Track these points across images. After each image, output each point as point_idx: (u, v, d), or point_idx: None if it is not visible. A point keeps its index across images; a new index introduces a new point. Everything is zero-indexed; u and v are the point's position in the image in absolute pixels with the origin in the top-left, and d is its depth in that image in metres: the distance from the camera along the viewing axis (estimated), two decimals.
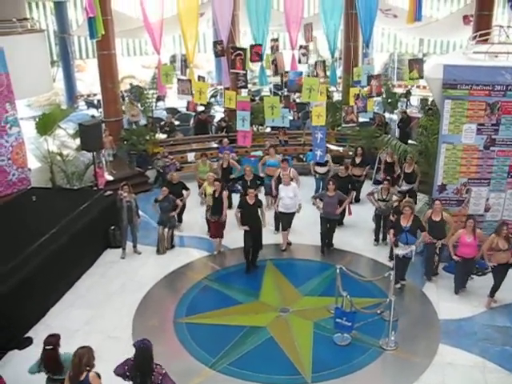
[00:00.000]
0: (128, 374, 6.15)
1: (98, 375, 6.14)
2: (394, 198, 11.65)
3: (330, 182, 11.38)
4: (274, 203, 12.45)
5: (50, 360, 6.54)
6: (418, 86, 23.20)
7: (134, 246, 11.68)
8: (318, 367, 7.90)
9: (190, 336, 8.77)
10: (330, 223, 11.50)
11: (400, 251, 9.74)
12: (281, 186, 11.63)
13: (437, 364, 8.15)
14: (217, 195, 11.33)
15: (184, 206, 12.54)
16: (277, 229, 12.38)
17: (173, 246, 11.88)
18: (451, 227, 10.03)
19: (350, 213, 12.34)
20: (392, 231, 9.91)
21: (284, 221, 11.74)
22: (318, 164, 13.73)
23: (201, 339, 8.60)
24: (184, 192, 12.36)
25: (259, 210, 10.82)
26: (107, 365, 6.32)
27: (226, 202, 11.45)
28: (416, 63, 13.18)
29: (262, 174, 13.48)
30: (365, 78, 13.44)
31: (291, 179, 11.84)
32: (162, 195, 11.56)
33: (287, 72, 16.45)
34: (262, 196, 12.74)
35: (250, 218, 10.72)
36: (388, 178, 12.09)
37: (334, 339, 8.71)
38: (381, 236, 11.84)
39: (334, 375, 7.86)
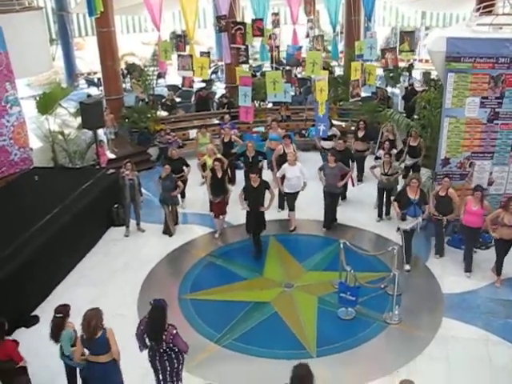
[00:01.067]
0: (144, 333, 6.36)
1: None
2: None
3: (329, 154, 11.39)
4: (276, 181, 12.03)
5: (57, 328, 6.81)
6: (421, 60, 23.04)
7: (138, 224, 11.70)
8: (323, 341, 7.96)
9: (195, 312, 8.84)
10: (333, 197, 11.44)
11: (407, 225, 9.73)
12: (286, 165, 11.36)
13: (440, 337, 8.20)
14: (219, 176, 11.07)
15: (186, 181, 12.45)
16: (280, 207, 12.25)
17: (176, 224, 11.81)
18: (456, 202, 9.98)
19: (353, 184, 12.43)
20: (397, 204, 9.92)
21: (290, 201, 11.58)
22: (324, 139, 13.64)
23: (206, 315, 8.66)
24: (185, 168, 12.28)
25: (267, 191, 10.50)
26: None
27: (226, 183, 11.29)
28: (407, 35, 13.09)
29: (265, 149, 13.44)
30: (368, 52, 13.31)
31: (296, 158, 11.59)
32: (164, 173, 11.41)
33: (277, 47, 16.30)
34: (266, 173, 12.65)
35: (253, 200, 10.42)
36: (389, 152, 11.94)
37: (338, 314, 8.76)
38: (384, 209, 11.81)
39: (338, 349, 7.92)
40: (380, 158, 12.14)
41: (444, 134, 10.27)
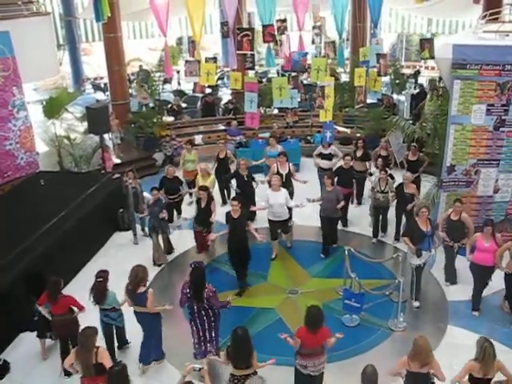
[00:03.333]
0: (188, 294, 7.29)
1: None
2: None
3: (326, 177, 10.71)
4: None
5: (98, 291, 7.71)
6: (427, 67, 23.04)
7: (143, 230, 11.71)
8: (327, 348, 7.92)
9: None
10: (331, 222, 10.83)
11: (422, 260, 8.92)
12: (269, 191, 10.49)
13: (445, 345, 8.17)
14: (203, 205, 10.26)
15: (181, 200, 12.23)
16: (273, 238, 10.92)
17: (171, 252, 11.10)
18: (470, 229, 9.37)
19: (358, 202, 12.35)
20: (407, 238, 9.03)
21: (274, 230, 10.67)
22: (324, 157, 12.71)
23: None
24: (181, 188, 11.95)
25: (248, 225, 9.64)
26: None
27: (214, 212, 10.34)
28: (427, 43, 13.06)
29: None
30: (374, 58, 13.33)
31: (282, 183, 10.65)
32: (152, 199, 10.65)
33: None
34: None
35: (234, 234, 9.46)
36: (386, 169, 11.52)
37: (342, 320, 8.76)
38: (380, 228, 11.44)
39: (342, 356, 7.92)
40: (371, 174, 11.93)
41: (450, 142, 10.21)
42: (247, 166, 11.71)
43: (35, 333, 8.32)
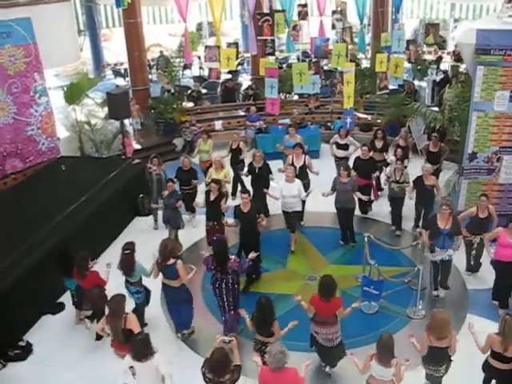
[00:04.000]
0: (212, 266, 7.85)
1: None
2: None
3: (342, 168, 10.39)
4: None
5: (127, 262, 8.02)
6: (449, 53, 22.69)
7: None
8: (345, 335, 7.90)
9: None
10: (347, 212, 10.59)
11: (436, 257, 8.69)
12: (282, 182, 10.41)
13: (464, 334, 8.09)
14: (212, 199, 10.06)
15: (195, 193, 11.71)
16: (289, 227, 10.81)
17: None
18: (495, 221, 9.14)
19: (375, 196, 11.81)
20: (424, 231, 8.85)
21: (288, 221, 10.61)
22: (340, 146, 12.49)
23: None
24: (193, 181, 11.56)
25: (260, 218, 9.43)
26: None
27: (223, 208, 10.16)
28: (432, 27, 12.95)
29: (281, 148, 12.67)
30: (396, 44, 13.17)
31: (297, 175, 10.55)
32: (167, 190, 10.54)
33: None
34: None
35: (245, 229, 9.37)
36: (402, 158, 11.09)
37: (361, 307, 8.73)
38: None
39: (360, 343, 7.91)
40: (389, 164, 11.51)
41: (472, 128, 10.08)
42: (262, 158, 11.25)
43: (58, 314, 8.60)
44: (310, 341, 7.51)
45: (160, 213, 11.28)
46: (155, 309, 8.82)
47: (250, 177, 11.49)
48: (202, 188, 11.74)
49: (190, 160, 11.75)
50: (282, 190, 10.31)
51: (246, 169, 11.80)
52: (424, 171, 10.26)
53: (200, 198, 11.12)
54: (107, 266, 8.27)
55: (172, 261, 7.80)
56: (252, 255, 8.28)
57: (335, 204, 10.60)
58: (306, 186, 10.99)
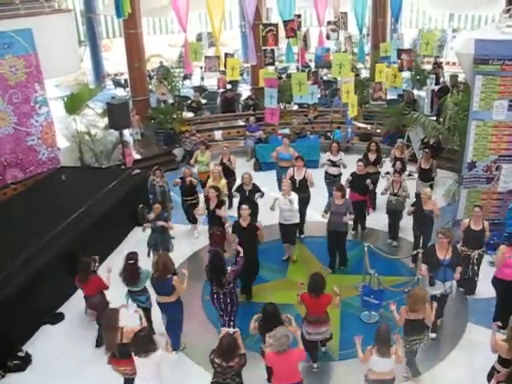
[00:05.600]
0: (209, 278, 7.88)
1: None
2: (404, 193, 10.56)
3: (335, 188, 9.97)
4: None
5: (131, 273, 7.92)
6: (448, 63, 22.81)
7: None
8: (346, 345, 7.92)
9: None
10: (339, 236, 10.09)
11: (436, 291, 8.00)
12: (280, 196, 10.25)
13: (464, 343, 8.13)
14: (212, 207, 10.12)
15: (198, 204, 11.55)
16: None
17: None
18: (486, 235, 8.97)
19: (368, 211, 11.51)
20: (424, 266, 8.10)
21: (284, 234, 10.47)
22: (332, 164, 12.01)
23: None
24: (196, 190, 11.61)
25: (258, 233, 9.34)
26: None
27: (223, 216, 10.14)
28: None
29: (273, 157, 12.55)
30: (395, 54, 13.26)
31: (297, 189, 10.45)
32: (153, 213, 9.96)
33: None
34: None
35: (245, 244, 8.85)
36: (399, 170, 10.92)
37: (361, 317, 8.76)
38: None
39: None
40: (389, 173, 11.18)
41: (471, 137, 10.12)
42: (251, 180, 10.80)
43: (56, 325, 8.51)
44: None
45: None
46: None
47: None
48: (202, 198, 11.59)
49: (190, 171, 11.65)
50: (278, 203, 10.18)
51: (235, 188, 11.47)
52: (423, 195, 9.77)
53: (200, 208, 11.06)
54: (108, 271, 8.22)
55: (168, 276, 7.72)
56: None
57: (327, 227, 10.15)
58: (307, 199, 10.99)
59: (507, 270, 8.16)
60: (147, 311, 8.18)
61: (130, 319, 7.21)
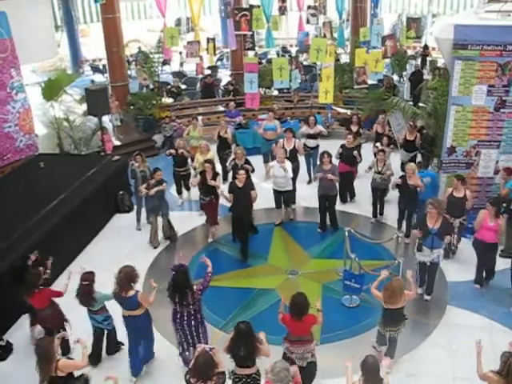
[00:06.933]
0: (172, 298, 6.88)
1: None
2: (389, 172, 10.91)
3: (325, 155, 10.66)
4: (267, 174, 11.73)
5: (84, 294, 7.20)
6: (427, 47, 22.87)
7: (148, 218, 11.26)
8: (327, 329, 7.96)
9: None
10: (329, 200, 10.84)
11: (423, 257, 8.54)
12: (274, 163, 10.91)
13: (444, 325, 8.23)
14: (209, 178, 10.33)
15: (189, 175, 12.25)
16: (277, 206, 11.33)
17: (174, 235, 10.86)
18: (470, 205, 9.53)
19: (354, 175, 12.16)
20: (416, 231, 8.54)
21: (278, 200, 11.10)
22: (310, 136, 12.89)
23: (211, 302, 8.60)
24: (189, 161, 12.10)
25: (252, 192, 9.95)
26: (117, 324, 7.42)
27: (219, 185, 10.47)
28: (414, 22, 13.07)
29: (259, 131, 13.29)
30: (375, 39, 13.26)
31: (291, 156, 11.26)
32: (154, 179, 10.36)
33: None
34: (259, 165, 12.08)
35: (239, 204, 9.82)
36: (383, 149, 11.44)
37: (342, 301, 8.81)
38: (378, 210, 11.38)
39: (342, 337, 7.99)
40: (371, 168, 11.35)
41: (450, 123, 10.18)
42: (244, 155, 11.25)
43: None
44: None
45: (143, 212, 11.24)
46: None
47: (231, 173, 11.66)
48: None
49: (184, 143, 12.10)
50: (273, 170, 10.79)
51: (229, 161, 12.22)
52: (407, 170, 10.19)
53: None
54: (68, 278, 7.68)
55: (132, 292, 6.94)
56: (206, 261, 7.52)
57: (318, 191, 10.89)
58: (296, 168, 11.56)
59: (486, 232, 8.75)
60: (110, 333, 7.68)
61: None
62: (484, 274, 9.13)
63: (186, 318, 6.93)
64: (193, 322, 6.97)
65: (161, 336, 7.92)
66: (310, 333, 6.62)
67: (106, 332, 7.64)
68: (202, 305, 7.13)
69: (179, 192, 12.39)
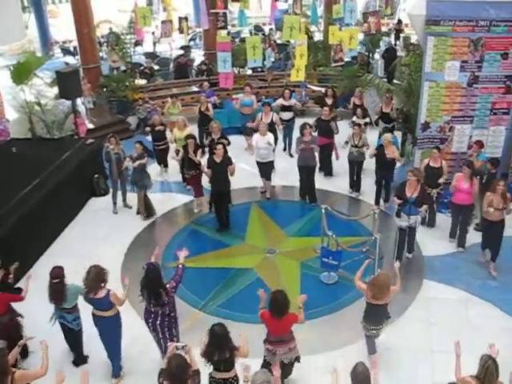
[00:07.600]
0: (144, 297, 6.60)
1: None
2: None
3: (307, 126, 10.85)
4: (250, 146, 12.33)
5: (57, 292, 6.80)
6: (400, 23, 22.89)
7: (124, 200, 11.33)
8: (306, 306, 7.95)
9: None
10: (309, 171, 11.11)
11: (402, 222, 8.95)
12: (256, 135, 11.23)
13: (421, 299, 8.35)
14: (191, 152, 10.61)
15: (167, 149, 12.34)
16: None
17: (150, 214, 10.96)
18: (445, 175, 9.79)
19: (337, 157, 12.19)
20: (396, 200, 8.86)
21: (263, 170, 11.44)
22: (285, 109, 13.28)
23: (190, 283, 8.58)
24: (167, 136, 12.15)
25: (228, 168, 10.07)
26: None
27: (200, 158, 10.67)
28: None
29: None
30: (348, 15, 13.23)
31: (269, 129, 11.44)
32: (135, 152, 10.65)
33: None
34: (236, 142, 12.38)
35: (217, 178, 10.07)
36: (359, 123, 11.94)
37: (321, 278, 8.88)
38: (355, 183, 11.61)
39: (321, 313, 8.05)
40: (347, 143, 11.53)
41: (424, 99, 10.23)
42: (220, 129, 11.54)
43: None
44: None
45: (119, 195, 11.26)
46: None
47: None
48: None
49: (161, 118, 12.40)
50: (256, 143, 11.13)
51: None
52: (384, 141, 10.55)
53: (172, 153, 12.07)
54: (27, 279, 7.27)
55: (103, 293, 6.59)
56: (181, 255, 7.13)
57: (298, 162, 11.13)
58: (275, 140, 11.91)
59: (460, 194, 9.23)
60: (76, 334, 7.21)
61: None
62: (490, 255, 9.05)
63: (159, 318, 6.65)
64: (166, 323, 6.71)
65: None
66: (291, 331, 6.42)
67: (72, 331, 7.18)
68: (176, 306, 6.87)
69: (160, 163, 12.55)
